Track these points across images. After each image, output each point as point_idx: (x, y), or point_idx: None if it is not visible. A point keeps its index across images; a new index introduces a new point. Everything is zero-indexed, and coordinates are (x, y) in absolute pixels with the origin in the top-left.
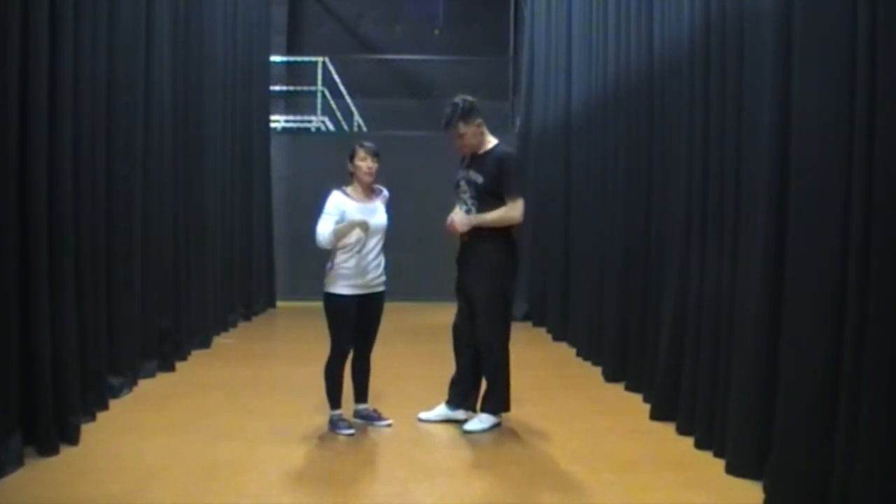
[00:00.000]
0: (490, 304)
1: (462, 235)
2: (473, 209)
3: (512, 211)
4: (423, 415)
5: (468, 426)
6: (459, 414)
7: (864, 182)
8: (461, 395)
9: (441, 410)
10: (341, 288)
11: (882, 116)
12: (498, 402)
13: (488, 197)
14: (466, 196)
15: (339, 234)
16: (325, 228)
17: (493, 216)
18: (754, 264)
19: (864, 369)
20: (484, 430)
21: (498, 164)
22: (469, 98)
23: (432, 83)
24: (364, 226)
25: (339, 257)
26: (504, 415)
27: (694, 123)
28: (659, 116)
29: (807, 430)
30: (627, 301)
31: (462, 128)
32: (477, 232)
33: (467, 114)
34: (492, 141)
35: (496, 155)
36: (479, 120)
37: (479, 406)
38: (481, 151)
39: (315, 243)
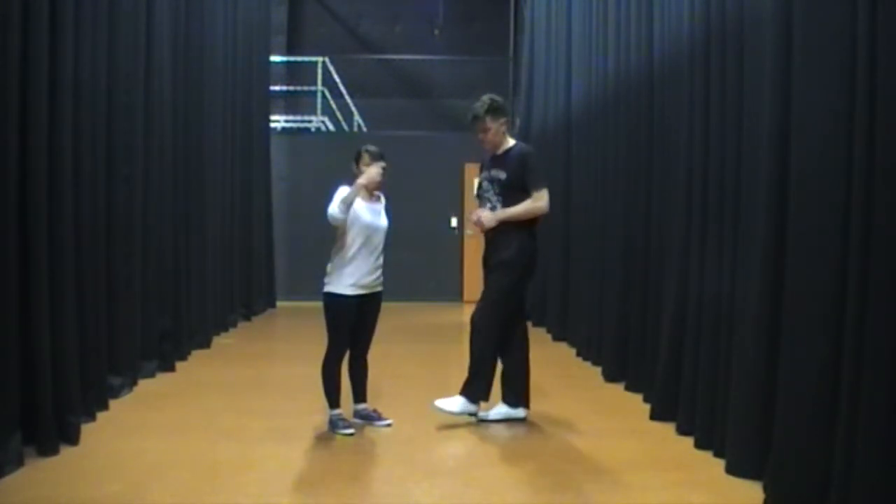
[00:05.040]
0: (498, 295)
1: (487, 232)
2: (498, 205)
3: (538, 202)
4: (483, 414)
5: (439, 402)
6: (520, 412)
7: (864, 181)
8: (516, 393)
9: (500, 409)
10: (344, 288)
11: (882, 115)
12: (476, 389)
13: (512, 191)
14: (490, 194)
15: (348, 201)
16: (334, 204)
17: (520, 208)
18: (754, 264)
19: (864, 369)
20: (453, 414)
21: (521, 159)
22: (499, 98)
23: (432, 83)
24: (363, 187)
25: (342, 258)
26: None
27: (694, 123)
28: (659, 116)
29: (807, 430)
30: (627, 301)
31: (489, 123)
32: (502, 227)
33: (496, 111)
34: (511, 141)
35: (517, 152)
36: (505, 119)
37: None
38: (500, 151)
39: (329, 219)
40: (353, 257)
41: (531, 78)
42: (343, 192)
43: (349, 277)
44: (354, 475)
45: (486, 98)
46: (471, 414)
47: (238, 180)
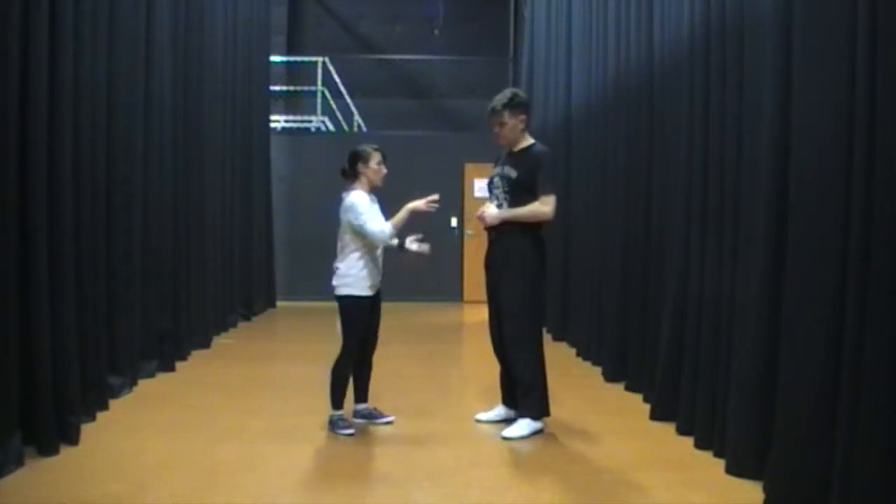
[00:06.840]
0: (520, 305)
1: (490, 231)
2: (505, 204)
3: (544, 206)
4: (482, 416)
5: (506, 432)
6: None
7: (864, 181)
8: (511, 396)
9: (500, 411)
10: (363, 289)
11: (882, 115)
12: (534, 406)
13: (521, 191)
14: (499, 191)
15: (398, 226)
16: (384, 224)
17: (524, 211)
18: (754, 264)
19: (864, 369)
20: (523, 438)
21: (535, 160)
22: (521, 93)
23: (432, 83)
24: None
25: (359, 259)
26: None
27: (694, 123)
28: (659, 116)
29: (807, 430)
30: (627, 301)
31: (506, 117)
32: (506, 228)
33: (516, 106)
34: (529, 140)
35: (534, 152)
36: (524, 116)
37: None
38: (517, 148)
39: (375, 241)
40: (369, 259)
41: (531, 78)
42: (372, 207)
43: (367, 279)
44: (354, 475)
45: (507, 91)
46: (539, 430)
47: (238, 180)
